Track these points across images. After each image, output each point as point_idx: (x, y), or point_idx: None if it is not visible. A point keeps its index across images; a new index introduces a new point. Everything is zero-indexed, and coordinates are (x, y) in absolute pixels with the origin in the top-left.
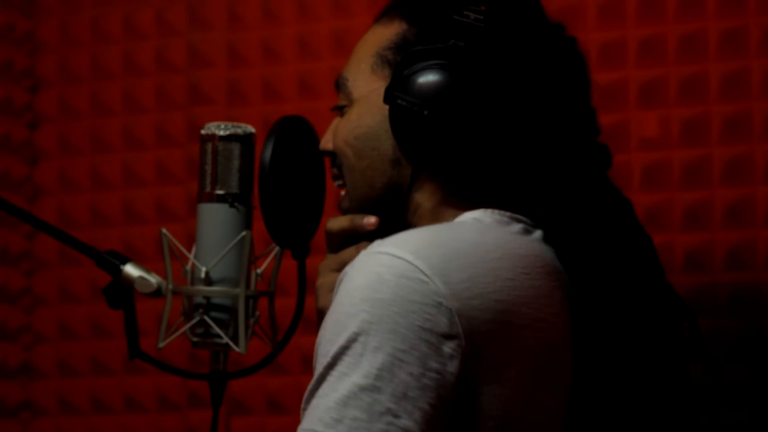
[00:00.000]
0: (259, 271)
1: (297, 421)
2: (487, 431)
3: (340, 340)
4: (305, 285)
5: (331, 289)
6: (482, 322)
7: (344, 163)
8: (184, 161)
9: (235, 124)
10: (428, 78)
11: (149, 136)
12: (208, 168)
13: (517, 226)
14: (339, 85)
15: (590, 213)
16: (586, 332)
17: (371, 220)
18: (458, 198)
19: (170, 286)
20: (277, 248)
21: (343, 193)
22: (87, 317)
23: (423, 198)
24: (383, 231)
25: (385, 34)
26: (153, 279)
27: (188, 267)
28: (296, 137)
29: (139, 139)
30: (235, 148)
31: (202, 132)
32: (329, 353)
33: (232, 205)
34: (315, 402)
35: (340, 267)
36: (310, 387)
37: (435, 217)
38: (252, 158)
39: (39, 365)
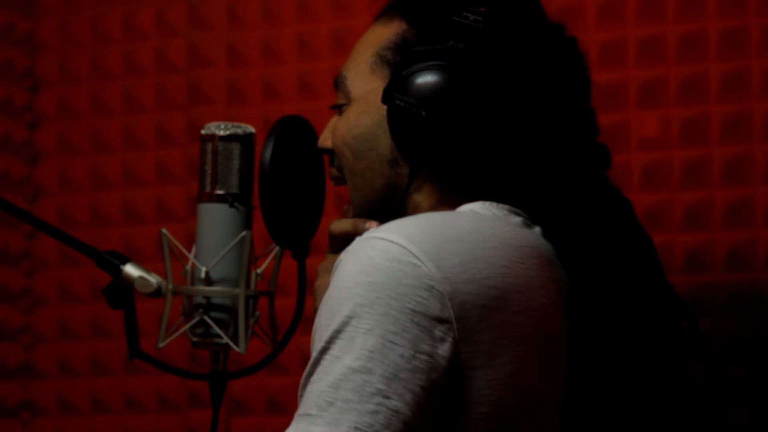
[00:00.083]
0: (259, 271)
1: None
2: (479, 417)
3: (334, 324)
4: (305, 285)
5: None
6: (474, 307)
7: (343, 164)
8: (184, 161)
9: (235, 124)
10: (427, 79)
11: (149, 136)
12: (208, 168)
13: (516, 219)
14: (338, 84)
15: (589, 212)
16: (586, 331)
17: (373, 225)
18: (457, 198)
19: (170, 286)
20: (277, 248)
21: (346, 207)
22: (87, 317)
23: (421, 198)
24: None
25: (384, 33)
26: (153, 279)
27: (188, 267)
28: (296, 137)
29: (139, 139)
30: (235, 148)
31: (202, 132)
32: (323, 338)
33: (232, 205)
34: (310, 387)
35: None
36: (306, 372)
37: None
38: (252, 158)
39: (39, 365)
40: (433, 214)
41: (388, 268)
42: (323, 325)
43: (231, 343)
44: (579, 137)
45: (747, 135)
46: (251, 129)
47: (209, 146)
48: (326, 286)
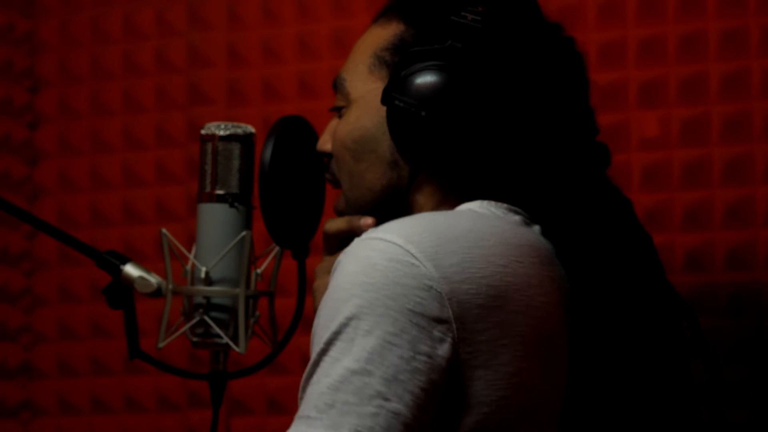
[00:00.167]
0: (259, 271)
1: None
2: (480, 418)
3: (333, 326)
4: (305, 285)
5: None
6: (473, 307)
7: (342, 166)
8: (184, 161)
9: (235, 124)
10: (426, 79)
11: (149, 136)
12: (208, 168)
13: (515, 218)
14: (337, 86)
15: (589, 211)
16: (586, 330)
17: (368, 221)
18: (457, 198)
19: (170, 286)
20: (277, 248)
21: (336, 202)
22: (87, 317)
23: (421, 199)
24: None
25: (382, 34)
26: (153, 279)
27: (188, 267)
28: (296, 137)
29: (139, 139)
30: (235, 148)
31: (202, 132)
32: (323, 339)
33: (232, 205)
34: (310, 389)
35: None
36: (305, 374)
37: None
38: (252, 158)
39: (39, 365)
40: (432, 213)
41: (386, 269)
42: (322, 326)
43: (231, 343)
44: (578, 136)
45: (747, 135)
46: (251, 129)
47: (209, 146)
48: (325, 288)
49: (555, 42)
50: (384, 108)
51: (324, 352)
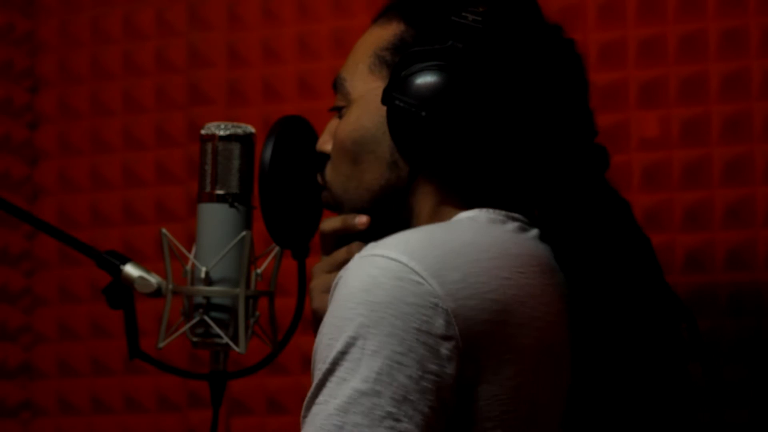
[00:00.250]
0: (259, 271)
1: (297, 421)
2: (483, 431)
3: (338, 345)
4: (305, 285)
5: (325, 290)
6: (479, 322)
7: (339, 167)
8: (184, 161)
9: (235, 124)
10: (426, 79)
11: (149, 136)
12: (208, 168)
13: (512, 225)
14: (337, 86)
15: (587, 214)
16: (584, 333)
17: (363, 219)
18: (456, 199)
19: (170, 286)
20: (277, 248)
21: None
22: (87, 317)
23: (421, 199)
24: (381, 233)
25: (383, 34)
26: (153, 279)
27: (188, 267)
28: (296, 137)
29: (139, 139)
30: (235, 148)
31: (202, 132)
32: (327, 359)
33: (232, 205)
34: (315, 409)
35: (333, 268)
36: (309, 394)
37: (433, 218)
38: (252, 158)
39: (39, 365)
40: (431, 227)
41: (390, 287)
42: (326, 345)
43: (231, 343)
44: (577, 138)
45: (747, 135)
46: (251, 129)
47: (209, 146)
48: (320, 287)
49: (555, 43)
50: (384, 108)
51: (330, 371)
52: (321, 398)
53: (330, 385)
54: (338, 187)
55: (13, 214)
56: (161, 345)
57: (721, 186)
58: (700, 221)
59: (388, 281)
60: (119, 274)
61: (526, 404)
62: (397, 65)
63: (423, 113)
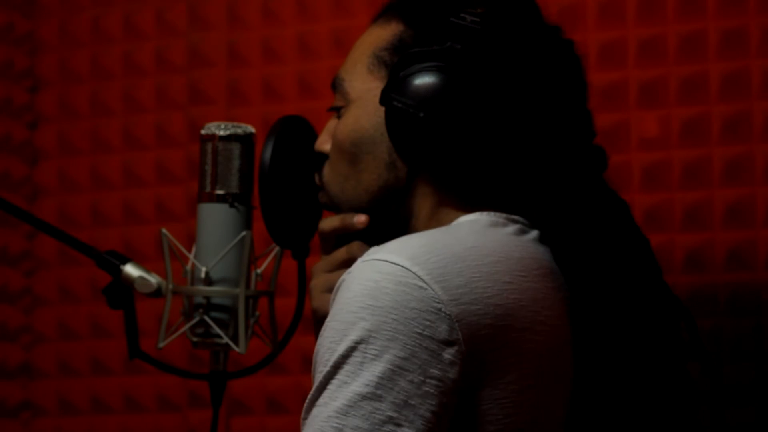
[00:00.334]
0: (259, 271)
1: (297, 421)
2: None
3: (340, 349)
4: (305, 285)
5: (325, 290)
6: (482, 327)
7: (337, 167)
8: (184, 161)
9: (235, 124)
10: (425, 80)
11: (149, 136)
12: (208, 168)
13: (513, 227)
14: (335, 86)
15: (586, 215)
16: (584, 333)
17: (361, 218)
18: (455, 200)
19: (170, 286)
20: (277, 248)
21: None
22: (87, 317)
23: (419, 200)
24: (378, 234)
25: (381, 35)
26: (153, 279)
27: (188, 267)
28: (296, 137)
29: (139, 139)
30: (235, 148)
31: (202, 132)
32: (329, 362)
33: (232, 205)
34: (315, 411)
35: (333, 268)
36: (310, 396)
37: (432, 219)
38: (252, 158)
39: (39, 365)
40: (433, 231)
41: (393, 292)
42: (328, 348)
43: (231, 343)
44: (576, 139)
45: (747, 135)
46: (251, 129)
47: (209, 146)
48: (320, 286)
49: (554, 44)
50: (383, 109)
51: (331, 375)
52: (321, 400)
53: (331, 388)
54: (336, 187)
55: (13, 214)
56: (161, 345)
57: (721, 186)
58: (700, 221)
59: (391, 286)
60: (119, 274)
61: (529, 408)
62: (395, 66)
63: (421, 114)
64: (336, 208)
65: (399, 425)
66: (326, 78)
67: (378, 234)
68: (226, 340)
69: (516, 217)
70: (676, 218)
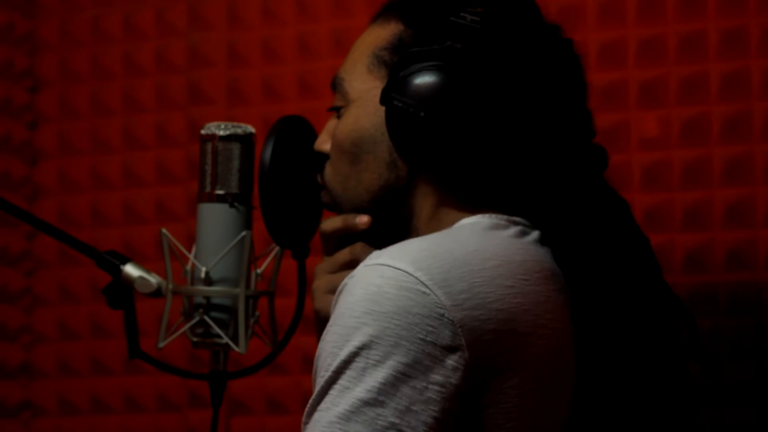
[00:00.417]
0: (259, 271)
1: (297, 422)
2: None
3: (342, 354)
4: (305, 285)
5: (328, 291)
6: (485, 333)
7: (338, 167)
8: (184, 161)
9: (235, 124)
10: (425, 79)
11: (149, 136)
12: (208, 168)
13: (514, 229)
14: (335, 86)
15: (586, 214)
16: (584, 334)
17: (363, 219)
18: (455, 200)
19: (170, 286)
20: (277, 248)
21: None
22: (87, 317)
23: (420, 200)
24: (380, 234)
25: (381, 34)
26: (153, 279)
27: (188, 267)
28: (296, 137)
29: (139, 139)
30: (235, 148)
31: (202, 132)
32: (331, 367)
33: (232, 205)
34: (317, 416)
35: (336, 269)
36: (311, 401)
37: (433, 219)
38: (252, 158)
39: (39, 365)
40: (435, 235)
41: (396, 297)
42: (330, 353)
43: (231, 343)
44: (576, 139)
45: (747, 135)
46: (251, 129)
47: (209, 146)
48: (323, 287)
49: (554, 43)
50: (383, 108)
51: (333, 380)
52: (323, 405)
53: (333, 393)
54: (337, 187)
55: (13, 214)
56: (161, 345)
57: (721, 186)
58: (700, 221)
59: (394, 291)
60: (119, 274)
61: (533, 411)
62: (395, 65)
63: (421, 113)
64: (338, 207)
65: (401, 431)
66: (326, 78)
67: (380, 234)
68: (226, 340)
69: (517, 218)
70: (676, 218)
